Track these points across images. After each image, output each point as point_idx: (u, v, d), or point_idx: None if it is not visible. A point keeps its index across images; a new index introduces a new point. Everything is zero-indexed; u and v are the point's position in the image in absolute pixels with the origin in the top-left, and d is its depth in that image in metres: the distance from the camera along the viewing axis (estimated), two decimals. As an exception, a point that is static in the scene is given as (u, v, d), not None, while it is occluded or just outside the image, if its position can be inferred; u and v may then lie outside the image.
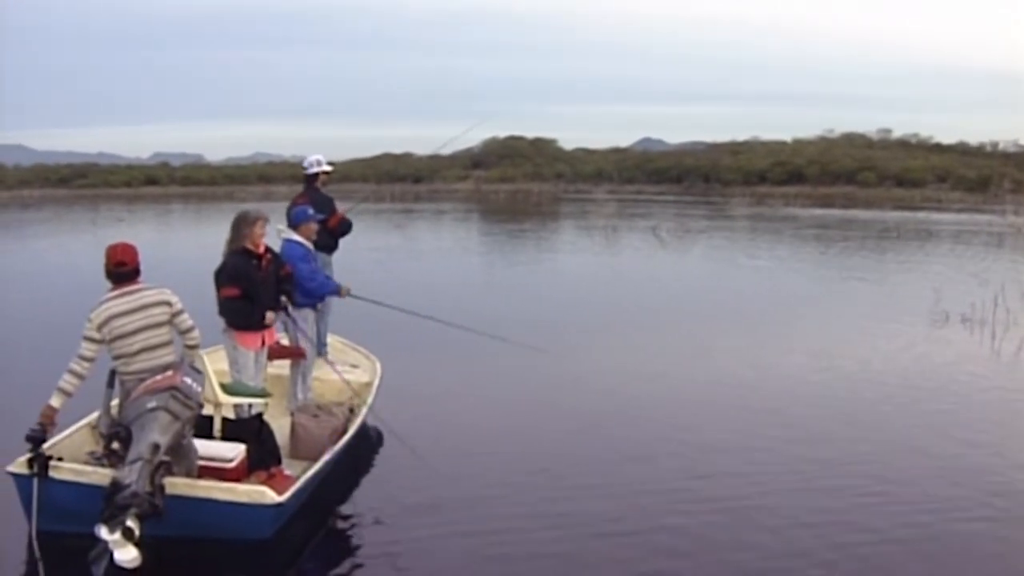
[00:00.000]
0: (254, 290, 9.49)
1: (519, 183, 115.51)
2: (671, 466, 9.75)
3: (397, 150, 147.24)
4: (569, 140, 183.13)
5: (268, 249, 9.80)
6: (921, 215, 60.07)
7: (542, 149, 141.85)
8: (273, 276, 9.80)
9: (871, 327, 18.00)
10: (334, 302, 12.06)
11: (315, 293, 10.84)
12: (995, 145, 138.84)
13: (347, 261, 14.04)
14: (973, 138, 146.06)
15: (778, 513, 8.38)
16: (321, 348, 12.32)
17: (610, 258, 33.18)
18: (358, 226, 13.60)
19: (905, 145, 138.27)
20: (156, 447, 6.98)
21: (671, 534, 7.98)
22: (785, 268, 29.73)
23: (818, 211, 65.91)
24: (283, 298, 9.98)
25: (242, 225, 9.55)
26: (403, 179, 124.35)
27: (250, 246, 9.51)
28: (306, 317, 10.96)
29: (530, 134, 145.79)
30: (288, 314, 10.39)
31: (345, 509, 8.72)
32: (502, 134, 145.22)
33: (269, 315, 9.60)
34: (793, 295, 23.03)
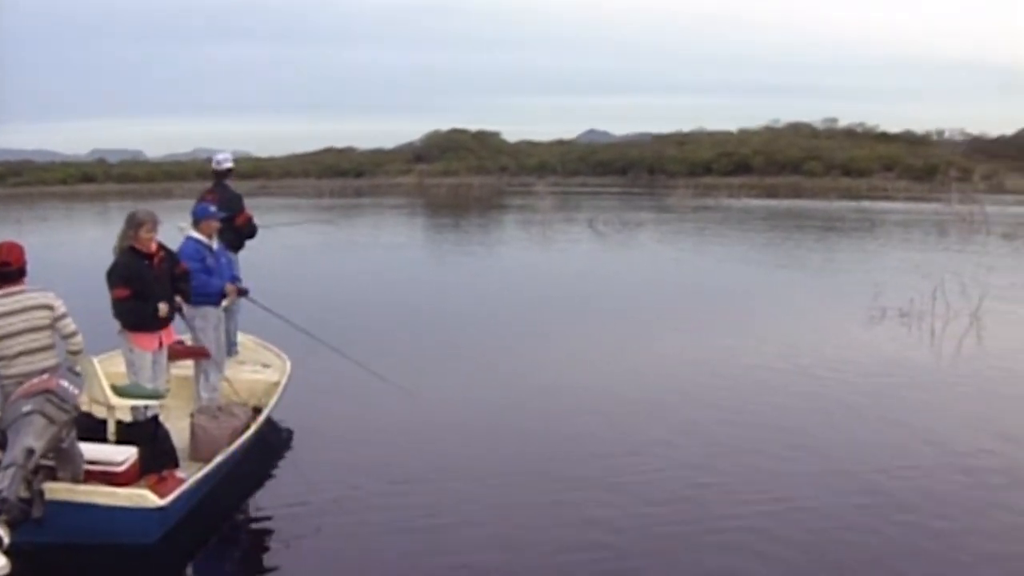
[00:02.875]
0: (146, 290, 9.33)
1: (462, 177, 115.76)
2: (587, 453, 9.71)
3: (340, 144, 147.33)
4: (513, 133, 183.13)
5: (161, 247, 9.64)
6: (867, 204, 60.63)
7: (485, 142, 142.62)
8: (167, 274, 9.64)
9: (808, 321, 18.08)
10: (245, 301, 11.92)
11: (197, 291, 10.64)
12: (941, 134, 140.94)
13: (259, 260, 13.89)
14: (919, 127, 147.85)
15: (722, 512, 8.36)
16: (231, 348, 12.19)
17: (540, 253, 33.16)
18: (287, 219, 13.46)
19: (851, 134, 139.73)
20: (30, 452, 6.82)
21: (587, 524, 7.97)
22: (723, 260, 29.85)
23: (763, 202, 66.36)
24: (177, 297, 9.82)
25: (127, 226, 9.41)
26: (345, 174, 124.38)
27: (138, 246, 9.36)
28: (206, 315, 10.80)
29: (473, 127, 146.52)
30: (182, 314, 10.24)
31: (242, 512, 8.63)
32: (445, 127, 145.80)
33: (162, 306, 9.41)
34: (729, 288, 23.05)
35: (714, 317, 18.57)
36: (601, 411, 11.68)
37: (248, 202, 13.38)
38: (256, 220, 13.40)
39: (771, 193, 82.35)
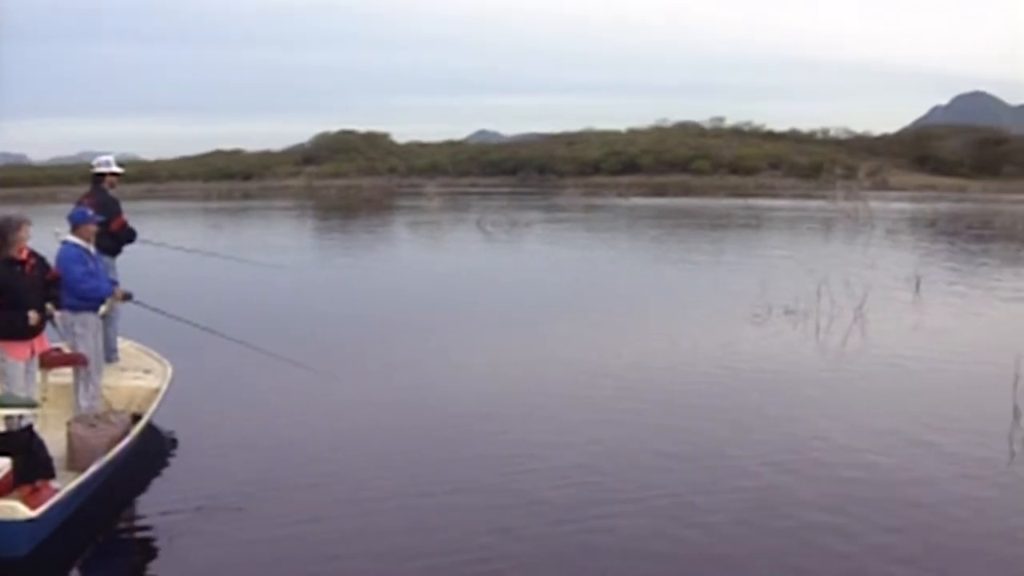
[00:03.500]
0: (18, 298, 9.01)
1: (352, 178, 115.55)
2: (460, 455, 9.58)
3: (228, 146, 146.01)
4: (403, 134, 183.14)
5: (32, 253, 9.33)
6: (754, 202, 61.45)
7: (375, 143, 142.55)
8: (39, 280, 9.33)
9: (695, 319, 18.00)
10: (124, 306, 11.63)
11: (88, 296, 10.36)
12: (826, 132, 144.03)
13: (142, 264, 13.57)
14: (805, 125, 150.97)
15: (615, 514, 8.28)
16: (111, 354, 11.87)
17: (427, 255, 33.00)
18: (172, 225, 13.18)
19: (739, 133, 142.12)
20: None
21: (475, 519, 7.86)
22: (611, 259, 29.83)
23: (652, 200, 67.01)
24: (49, 305, 9.52)
25: (8, 232, 9.07)
26: (233, 176, 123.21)
27: (15, 253, 9.04)
28: (86, 322, 10.46)
29: (363, 128, 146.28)
30: (52, 321, 9.93)
31: (119, 521, 8.34)
32: (334, 128, 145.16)
33: (32, 315, 9.10)
34: (616, 287, 22.91)
35: (601, 316, 18.45)
36: (484, 413, 11.43)
37: (134, 206, 13.11)
38: (132, 224, 13.08)
39: (660, 192, 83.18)
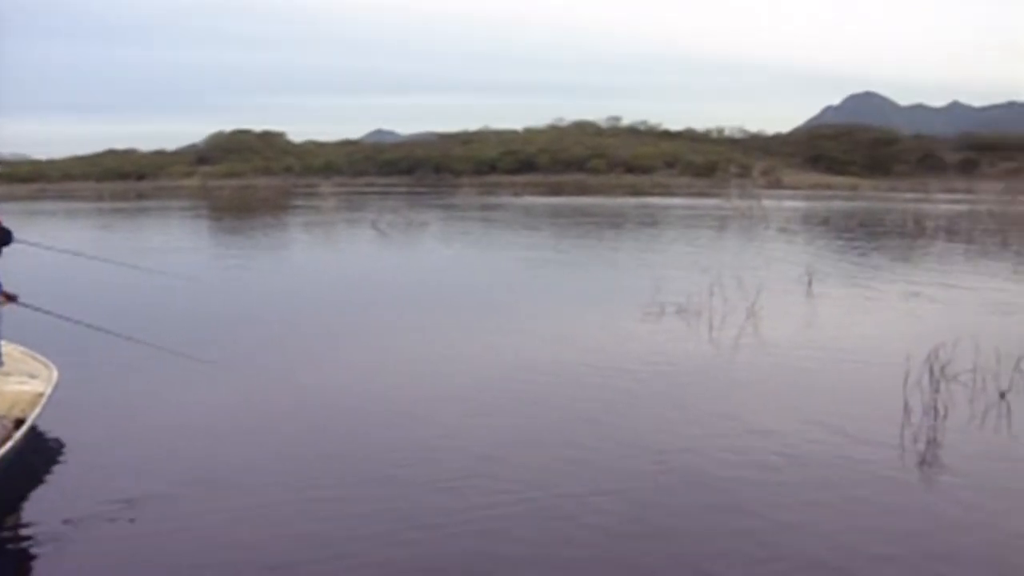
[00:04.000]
0: None
1: (247, 178, 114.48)
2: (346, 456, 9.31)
3: (122, 146, 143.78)
4: (299, 133, 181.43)
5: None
6: (650, 200, 61.89)
7: (271, 143, 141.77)
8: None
9: (588, 318, 17.89)
10: (7, 310, 11.16)
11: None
12: (721, 131, 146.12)
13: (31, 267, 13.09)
14: (700, 124, 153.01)
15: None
16: (-7, 358, 11.40)
17: (320, 255, 32.58)
18: (63, 226, 12.67)
19: (635, 132, 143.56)
20: None
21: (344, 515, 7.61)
22: (505, 259, 29.60)
23: (548, 199, 67.12)
24: None
25: None
26: (127, 176, 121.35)
27: None
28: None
29: (258, 127, 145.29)
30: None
31: (1, 529, 7.95)
32: (228, 128, 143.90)
33: None
34: (510, 287, 22.67)
35: (493, 316, 18.23)
36: (374, 414, 11.18)
37: (25, 206, 12.61)
38: (5, 225, 12.56)
39: (556, 191, 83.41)
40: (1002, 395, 11.63)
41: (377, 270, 27.16)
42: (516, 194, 78.44)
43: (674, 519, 7.91)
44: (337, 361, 14.52)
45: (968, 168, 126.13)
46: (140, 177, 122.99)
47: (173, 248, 33.58)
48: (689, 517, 7.94)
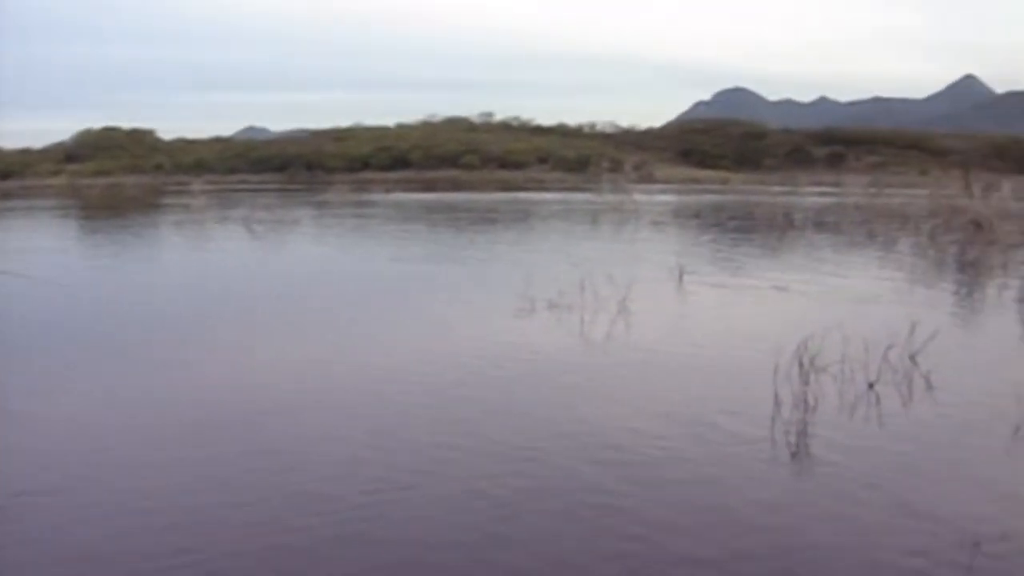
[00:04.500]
0: None
1: (116, 176, 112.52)
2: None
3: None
4: (169, 130, 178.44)
5: None
6: (523, 196, 62.03)
7: (140, 140, 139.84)
8: None
9: (458, 315, 17.71)
10: None
11: None
12: (593, 126, 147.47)
13: None
14: (573, 119, 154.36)
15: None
16: None
17: (188, 253, 31.88)
18: None
19: (507, 127, 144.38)
20: None
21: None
22: (376, 256, 29.27)
23: (421, 196, 66.90)
24: None
25: None
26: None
27: None
28: None
29: (127, 125, 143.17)
30: None
31: None
32: (97, 125, 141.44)
33: None
34: (381, 284, 22.36)
35: (363, 314, 17.94)
36: (242, 411, 10.89)
37: None
38: None
39: (429, 187, 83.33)
40: (870, 385, 11.71)
41: (246, 269, 26.61)
42: (388, 191, 78.13)
43: (545, 519, 7.75)
44: (202, 360, 14.09)
45: (835, 162, 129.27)
46: (5, 176, 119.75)
47: (33, 249, 32.53)
48: (559, 516, 7.79)
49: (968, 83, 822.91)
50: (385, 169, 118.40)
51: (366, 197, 65.89)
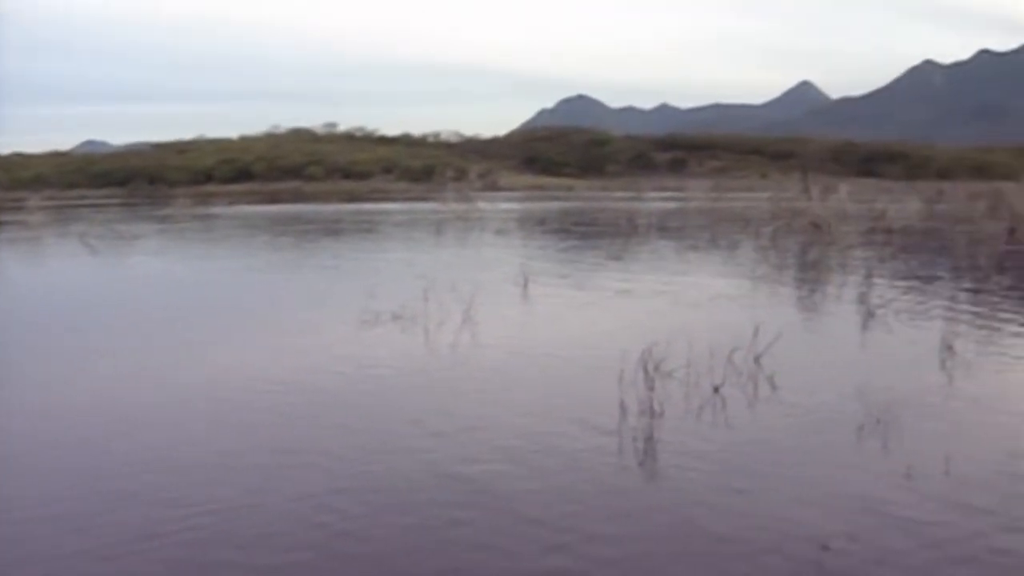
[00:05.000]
0: None
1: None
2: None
3: None
4: (4, 145, 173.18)
5: None
6: (368, 206, 61.62)
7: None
8: None
9: (300, 328, 17.29)
10: None
11: None
12: (437, 136, 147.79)
13: None
14: (417, 129, 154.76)
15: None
16: None
17: (25, 271, 30.77)
18: None
19: (351, 138, 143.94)
20: None
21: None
22: (217, 270, 28.56)
23: (266, 208, 65.96)
24: None
25: None
26: None
27: None
28: None
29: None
30: None
31: None
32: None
33: None
34: (221, 298, 21.82)
35: (202, 331, 17.38)
36: (67, 432, 10.41)
37: None
38: None
39: (273, 199, 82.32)
40: (716, 389, 11.71)
41: (79, 285, 25.71)
42: (232, 203, 76.93)
43: (393, 533, 7.60)
44: (31, 379, 13.46)
45: (677, 167, 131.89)
46: None
47: None
48: (407, 531, 7.61)
49: (804, 89, 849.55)
50: (229, 182, 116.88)
51: (209, 210, 64.71)
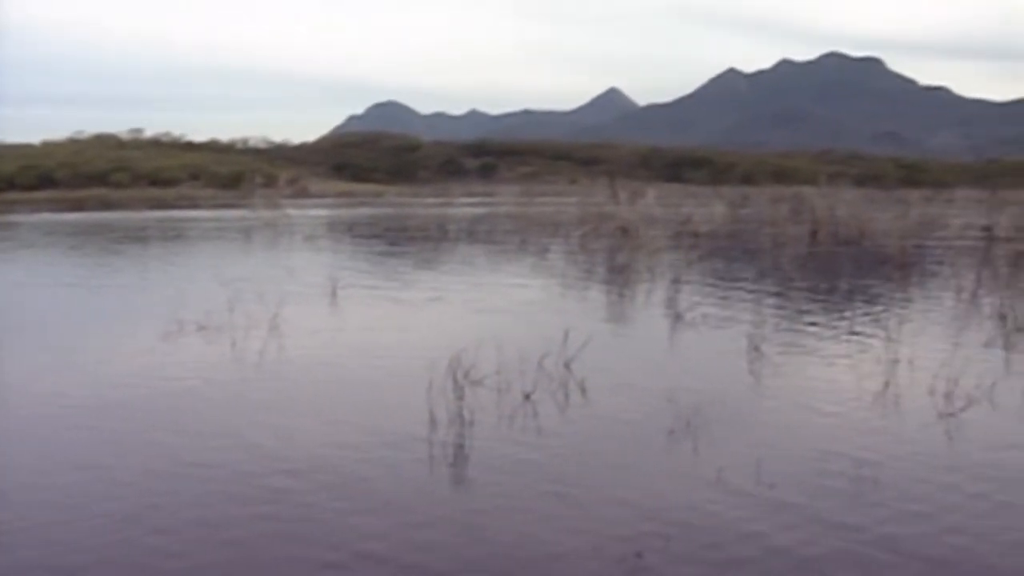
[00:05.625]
0: None
1: None
2: None
3: None
4: None
5: None
6: (175, 214, 60.27)
7: None
8: None
9: (101, 341, 16.61)
10: None
11: None
12: (246, 142, 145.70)
13: None
14: (225, 135, 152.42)
15: None
16: None
17: None
18: None
19: (158, 144, 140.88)
20: None
21: None
22: (8, 280, 27.52)
23: (69, 216, 63.67)
24: None
25: None
26: None
27: None
28: None
29: None
30: None
31: None
32: None
33: None
34: (9, 312, 20.96)
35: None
36: None
37: None
38: None
39: (78, 206, 79.74)
40: (527, 396, 11.58)
41: None
42: (34, 211, 74.32)
43: (194, 545, 7.32)
44: None
45: (488, 173, 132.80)
46: None
47: None
48: (211, 545, 7.27)
49: (612, 96, 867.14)
50: (30, 189, 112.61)
51: (9, 218, 62.13)
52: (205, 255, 33.62)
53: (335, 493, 8.50)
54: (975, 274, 26.43)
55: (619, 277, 26.57)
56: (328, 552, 7.27)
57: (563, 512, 8.00)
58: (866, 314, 18.91)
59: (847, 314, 19.06)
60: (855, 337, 16.06)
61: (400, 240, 39.30)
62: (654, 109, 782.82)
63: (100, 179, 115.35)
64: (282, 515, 8.03)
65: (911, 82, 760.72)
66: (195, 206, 70.87)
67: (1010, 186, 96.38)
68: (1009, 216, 41.77)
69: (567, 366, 12.80)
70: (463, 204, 71.94)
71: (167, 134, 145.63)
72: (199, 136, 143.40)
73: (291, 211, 48.72)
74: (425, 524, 7.79)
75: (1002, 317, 17.67)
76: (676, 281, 23.16)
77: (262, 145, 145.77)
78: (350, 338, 16.53)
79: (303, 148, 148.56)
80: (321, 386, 12.93)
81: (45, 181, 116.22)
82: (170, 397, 12.19)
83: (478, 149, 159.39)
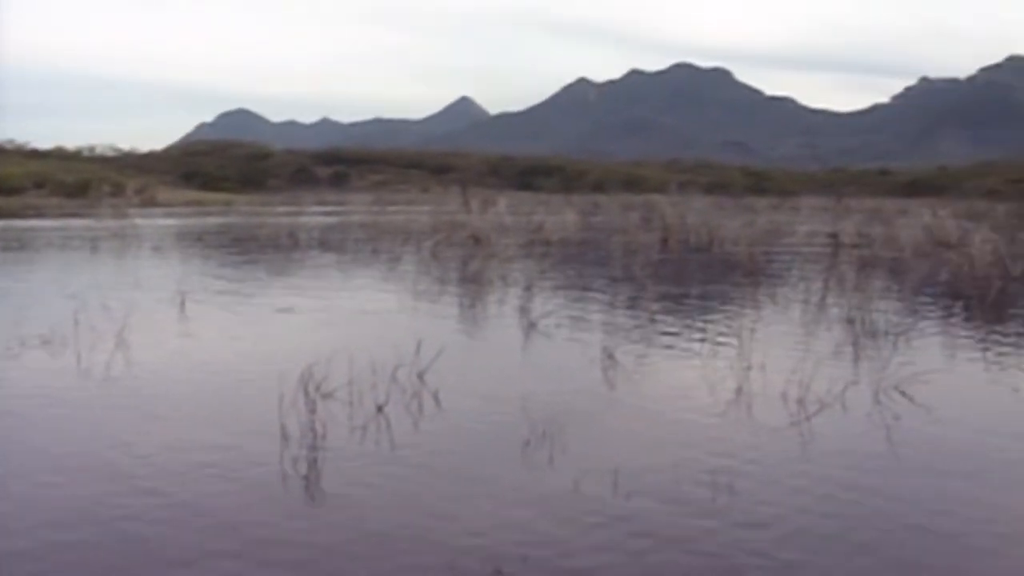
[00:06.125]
0: None
1: None
2: None
3: None
4: None
5: None
6: (18, 223, 58.29)
7: None
8: None
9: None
10: None
11: None
12: (93, 149, 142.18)
13: None
14: (71, 143, 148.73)
15: None
16: None
17: None
18: None
19: (1, 151, 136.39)
20: None
21: None
22: None
23: None
24: None
25: None
26: None
27: None
28: None
29: None
30: None
31: None
32: None
33: None
34: None
35: None
36: None
37: None
38: None
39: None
40: (379, 408, 11.42)
41: None
42: None
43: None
44: None
45: (339, 181, 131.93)
46: None
47: None
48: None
49: (464, 104, 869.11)
50: None
51: None
52: (50, 266, 32.56)
53: (185, 511, 8.25)
54: (823, 280, 27.09)
55: (472, 286, 26.51)
56: (179, 571, 7.07)
57: (418, 526, 7.88)
58: (718, 321, 19.19)
59: (700, 321, 19.31)
60: (708, 344, 16.23)
61: (250, 250, 38.64)
62: (506, 118, 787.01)
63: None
64: (130, 534, 7.78)
65: (758, 92, 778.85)
66: (40, 215, 68.65)
67: (854, 194, 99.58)
68: (853, 223, 43.12)
69: (420, 377, 12.66)
70: (315, 213, 71.17)
71: (11, 141, 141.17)
72: (44, 143, 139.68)
73: (139, 220, 47.61)
74: (278, 541, 7.63)
75: (850, 322, 18.11)
76: (529, 289, 23.14)
77: (110, 153, 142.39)
78: (200, 351, 16.14)
79: (151, 156, 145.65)
80: (170, 401, 12.54)
81: None
82: (11, 416, 11.73)
83: (330, 157, 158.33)
